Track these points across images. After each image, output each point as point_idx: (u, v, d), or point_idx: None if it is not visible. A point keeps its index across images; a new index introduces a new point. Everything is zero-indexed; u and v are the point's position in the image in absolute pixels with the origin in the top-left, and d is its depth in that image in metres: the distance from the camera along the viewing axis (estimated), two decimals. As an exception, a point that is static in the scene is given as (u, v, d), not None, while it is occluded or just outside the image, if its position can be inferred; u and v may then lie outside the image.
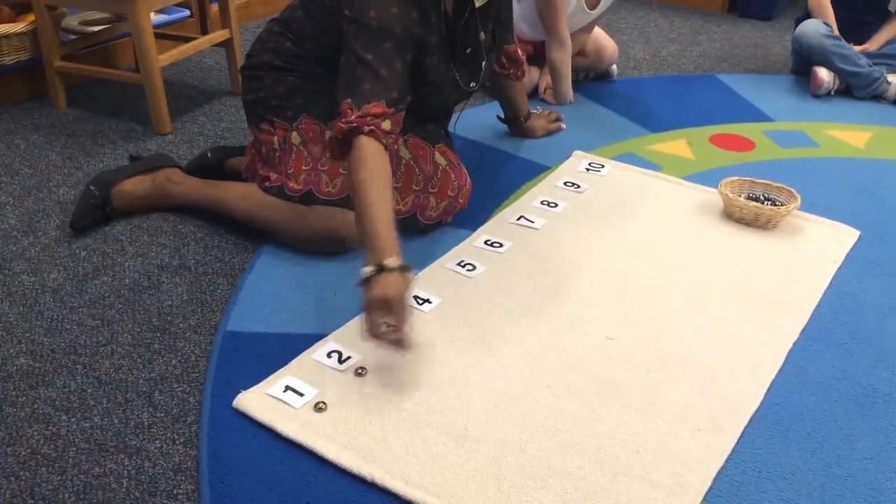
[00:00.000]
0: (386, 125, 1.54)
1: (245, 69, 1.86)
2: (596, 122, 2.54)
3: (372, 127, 1.51)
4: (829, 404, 1.39)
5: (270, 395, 1.36)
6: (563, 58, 2.59)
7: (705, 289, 1.69)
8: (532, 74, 2.67)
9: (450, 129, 2.03)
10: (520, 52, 2.15)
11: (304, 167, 1.75)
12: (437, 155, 1.82)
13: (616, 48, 2.82)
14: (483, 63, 1.84)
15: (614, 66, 2.88)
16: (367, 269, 1.37)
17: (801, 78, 2.93)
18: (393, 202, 1.50)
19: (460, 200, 1.86)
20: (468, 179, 1.89)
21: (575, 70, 2.81)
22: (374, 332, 1.34)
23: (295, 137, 1.77)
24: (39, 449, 1.28)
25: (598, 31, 2.76)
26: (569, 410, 1.35)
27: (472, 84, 1.84)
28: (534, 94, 2.70)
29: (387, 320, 1.34)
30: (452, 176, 1.83)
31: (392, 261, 1.36)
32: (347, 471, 1.22)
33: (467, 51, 1.78)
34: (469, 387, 1.39)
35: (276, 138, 1.79)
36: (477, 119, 2.48)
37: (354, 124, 1.50)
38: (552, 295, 1.65)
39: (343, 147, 1.53)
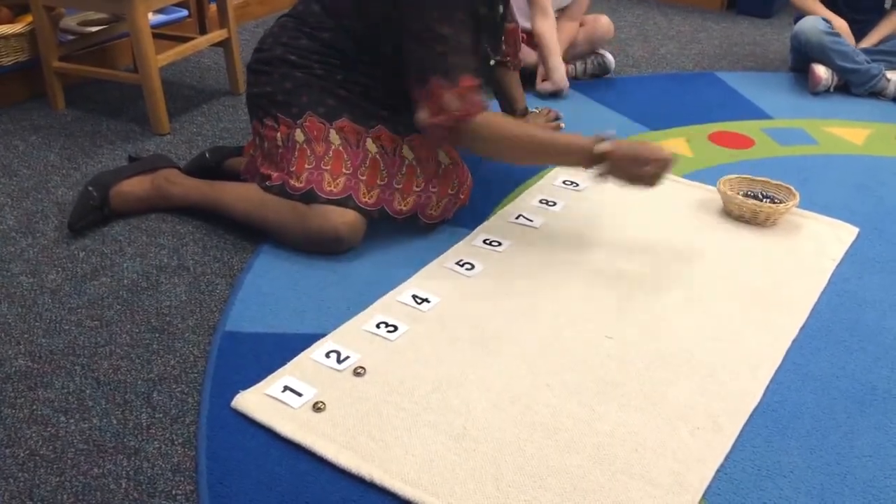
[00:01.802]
0: (479, 97, 1.68)
1: (254, 63, 1.85)
2: (595, 120, 2.53)
3: (476, 107, 1.67)
4: (828, 402, 1.39)
5: (269, 396, 1.35)
6: (549, 28, 2.59)
7: (704, 287, 1.69)
8: (528, 58, 2.67)
9: None
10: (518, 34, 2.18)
11: (306, 165, 1.74)
12: (441, 153, 1.82)
13: (611, 23, 2.83)
14: (502, 36, 1.89)
15: (611, 58, 2.87)
16: (597, 169, 1.66)
17: (799, 75, 2.93)
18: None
19: (461, 196, 1.87)
20: (469, 175, 1.89)
21: (573, 59, 2.82)
22: (652, 180, 1.66)
23: (299, 135, 1.76)
24: (38, 450, 1.28)
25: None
26: (567, 409, 1.35)
27: (492, 60, 1.90)
28: (532, 88, 2.70)
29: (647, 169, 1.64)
30: (454, 173, 1.83)
31: (597, 147, 1.64)
32: (346, 470, 1.22)
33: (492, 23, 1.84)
34: (467, 386, 1.39)
35: (279, 135, 1.79)
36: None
37: (465, 112, 1.65)
38: (551, 294, 1.65)
39: (456, 133, 1.68)
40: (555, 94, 2.69)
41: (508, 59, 2.17)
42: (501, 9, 1.85)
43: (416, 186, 1.79)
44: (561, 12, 2.78)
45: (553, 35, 2.63)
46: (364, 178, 1.75)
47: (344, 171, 1.74)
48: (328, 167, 1.74)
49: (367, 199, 1.74)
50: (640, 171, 1.65)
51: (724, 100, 2.73)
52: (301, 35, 1.80)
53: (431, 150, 1.81)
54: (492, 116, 1.70)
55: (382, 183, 1.77)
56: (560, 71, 2.65)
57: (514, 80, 2.29)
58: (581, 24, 2.81)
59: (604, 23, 2.81)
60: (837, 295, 1.69)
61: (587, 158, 1.66)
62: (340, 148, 1.75)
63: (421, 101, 1.67)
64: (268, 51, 1.83)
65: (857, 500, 1.20)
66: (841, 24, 2.78)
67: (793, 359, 1.49)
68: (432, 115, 1.66)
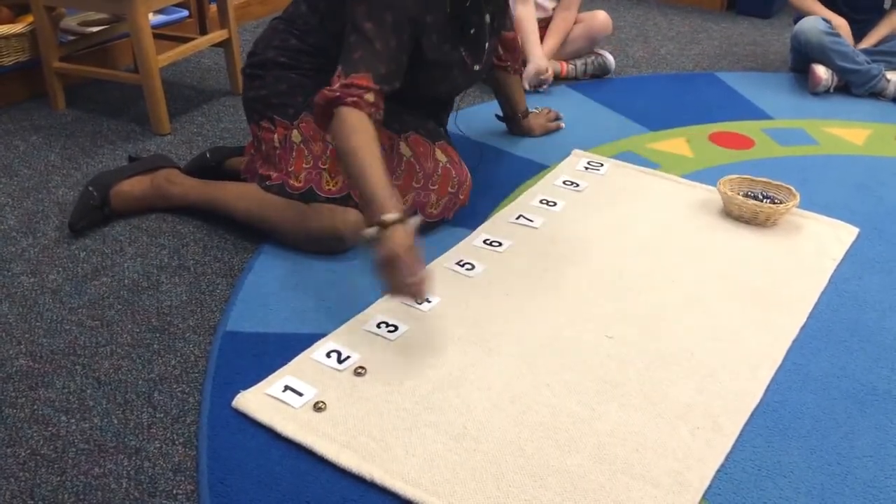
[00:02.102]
0: (369, 97, 1.57)
1: (248, 67, 1.86)
2: (595, 120, 2.54)
3: (355, 98, 1.55)
4: (828, 402, 1.40)
5: (270, 395, 1.36)
6: (528, 13, 2.60)
7: (704, 287, 1.69)
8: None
9: (449, 125, 2.05)
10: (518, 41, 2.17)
11: (304, 165, 1.75)
12: (438, 152, 1.83)
13: (608, 18, 2.83)
14: (486, 44, 1.85)
15: (611, 58, 2.87)
16: (370, 231, 1.43)
17: (799, 76, 2.93)
18: (384, 168, 1.53)
19: (461, 196, 1.87)
20: (468, 176, 1.89)
21: (572, 57, 2.84)
22: (396, 290, 1.41)
23: (296, 135, 1.77)
24: (39, 450, 1.28)
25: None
26: (568, 409, 1.35)
27: (476, 66, 1.86)
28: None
29: (401, 274, 1.39)
30: (453, 172, 1.83)
31: (390, 215, 1.41)
32: (347, 470, 1.22)
33: (472, 31, 1.79)
34: (468, 386, 1.39)
35: (276, 136, 1.79)
36: (476, 118, 2.48)
37: (337, 94, 1.55)
38: (551, 294, 1.66)
39: (326, 115, 1.58)
40: (540, 86, 2.71)
41: (509, 64, 2.18)
42: (488, 18, 1.82)
43: (416, 183, 1.79)
44: (557, 3, 2.79)
45: (532, 20, 2.67)
46: None
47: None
48: (326, 166, 1.74)
49: (366, 197, 1.75)
50: (384, 272, 1.42)
51: (724, 100, 2.73)
52: (290, 37, 1.81)
53: (428, 147, 1.81)
54: (356, 117, 1.53)
55: (381, 180, 1.76)
56: (538, 52, 2.67)
57: (515, 83, 2.29)
58: (577, 21, 2.82)
59: (601, 18, 2.82)
60: (838, 295, 1.69)
61: (372, 219, 1.44)
62: None
63: None
64: (260, 54, 1.84)
65: (858, 500, 1.20)
66: (841, 24, 2.78)
67: (793, 359, 1.50)
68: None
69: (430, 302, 1.60)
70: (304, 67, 1.79)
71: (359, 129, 1.53)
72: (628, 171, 2.20)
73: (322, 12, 1.77)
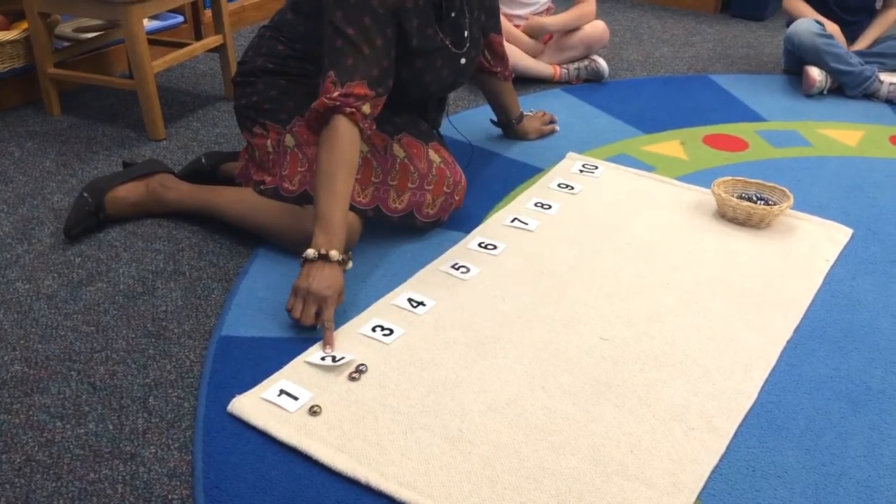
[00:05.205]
0: (366, 108, 1.60)
1: (238, 76, 1.87)
2: (589, 123, 2.54)
3: (353, 109, 1.57)
4: (822, 402, 1.40)
5: (265, 400, 1.36)
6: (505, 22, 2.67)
7: (698, 288, 1.70)
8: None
9: (447, 129, 2.05)
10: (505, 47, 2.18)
11: (299, 168, 1.75)
12: (431, 152, 1.83)
13: (606, 29, 2.85)
14: (466, 32, 1.84)
15: (604, 64, 2.87)
16: (312, 252, 1.51)
17: (793, 77, 2.95)
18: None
19: (456, 197, 1.87)
20: (463, 177, 1.89)
21: (566, 62, 2.85)
22: (300, 319, 1.50)
23: (289, 140, 1.77)
24: (34, 456, 1.28)
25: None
26: (563, 411, 1.35)
27: (462, 60, 1.85)
28: (525, 90, 2.71)
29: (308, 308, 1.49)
30: (447, 172, 1.83)
31: (336, 253, 1.52)
32: (342, 474, 1.22)
33: (452, 14, 1.79)
34: (463, 388, 1.40)
35: (269, 142, 1.80)
36: (469, 121, 2.49)
37: (338, 103, 1.57)
38: (546, 296, 1.66)
39: (321, 122, 1.60)
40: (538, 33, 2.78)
41: (499, 70, 2.18)
42: (466, 7, 1.82)
43: (412, 183, 1.80)
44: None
45: (509, 26, 2.74)
46: (358, 176, 1.75)
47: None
48: None
49: (361, 199, 1.75)
50: (297, 296, 1.52)
51: (718, 102, 2.74)
52: (278, 43, 1.82)
53: (421, 148, 1.81)
54: (350, 132, 1.57)
55: (377, 181, 1.77)
56: (525, 22, 2.76)
57: (506, 90, 2.29)
58: (576, 29, 2.82)
59: (600, 28, 2.83)
60: (831, 296, 1.70)
61: (317, 242, 1.53)
62: None
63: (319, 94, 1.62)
64: (249, 62, 1.85)
65: (852, 500, 1.21)
66: (834, 30, 2.79)
67: (787, 360, 1.50)
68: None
69: (424, 305, 1.61)
70: (292, 73, 1.80)
71: (345, 150, 1.57)
72: (623, 174, 2.20)
73: (307, 14, 1.78)
